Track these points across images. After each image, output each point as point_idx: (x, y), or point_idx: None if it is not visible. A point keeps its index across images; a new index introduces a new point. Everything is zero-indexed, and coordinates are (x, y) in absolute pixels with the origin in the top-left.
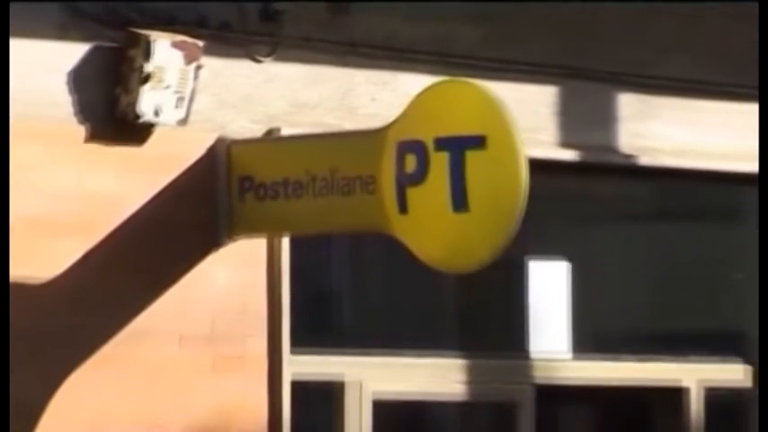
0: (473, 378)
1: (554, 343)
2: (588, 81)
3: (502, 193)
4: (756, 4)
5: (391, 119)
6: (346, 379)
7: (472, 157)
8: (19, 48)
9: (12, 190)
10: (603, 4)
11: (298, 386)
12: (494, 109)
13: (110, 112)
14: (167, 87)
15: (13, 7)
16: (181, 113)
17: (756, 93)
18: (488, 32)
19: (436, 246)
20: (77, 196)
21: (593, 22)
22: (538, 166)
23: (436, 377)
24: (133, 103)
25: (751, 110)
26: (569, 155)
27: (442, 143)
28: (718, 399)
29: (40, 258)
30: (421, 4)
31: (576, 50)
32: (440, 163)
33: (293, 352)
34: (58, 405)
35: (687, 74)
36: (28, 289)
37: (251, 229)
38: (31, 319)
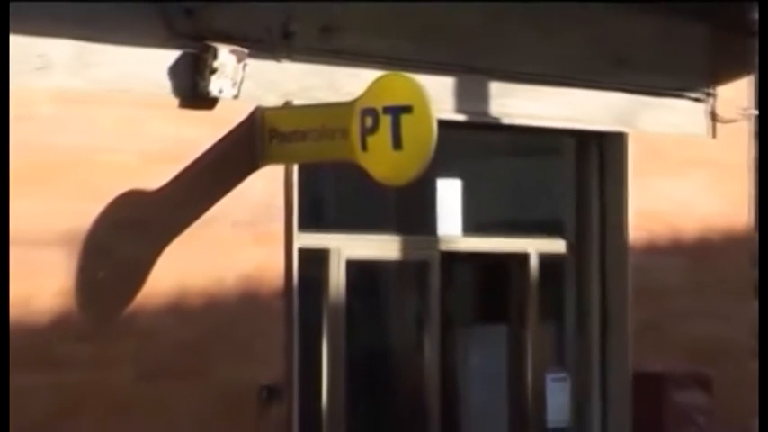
0: (404, 247)
1: (451, 227)
2: (473, 74)
3: (421, 139)
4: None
5: (357, 95)
6: (330, 248)
7: (404, 118)
8: (138, 54)
9: (133, 136)
10: (487, 25)
11: (302, 252)
12: (417, 89)
13: (192, 90)
14: (226, 77)
15: (135, 27)
16: (234, 92)
17: (576, 80)
18: (416, 46)
19: (383, 169)
20: (172, 140)
21: (476, 39)
22: (442, 124)
23: (383, 247)
24: (206, 86)
25: (567, 92)
26: (461, 117)
27: (386, 110)
28: (547, 261)
29: (148, 176)
30: (376, 30)
31: (466, 56)
32: (385, 121)
33: (299, 231)
34: (158, 267)
35: (531, 69)
36: (140, 194)
37: (275, 160)
38: (141, 213)
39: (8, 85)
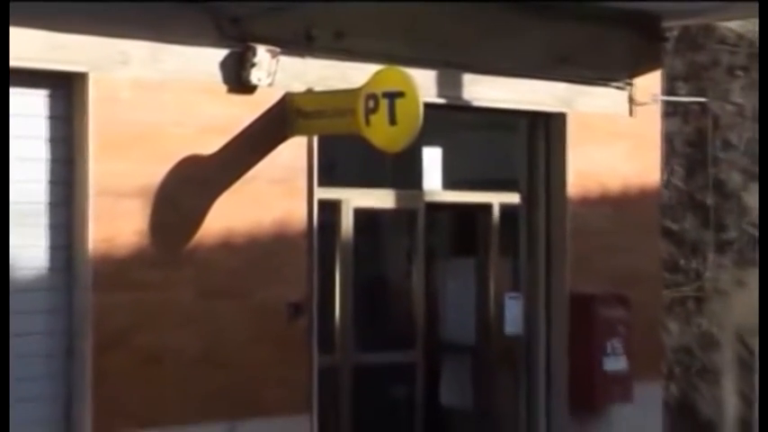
0: (397, 199)
1: (434, 184)
2: (451, 67)
3: (411, 117)
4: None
5: (362, 84)
6: (342, 199)
7: (398, 101)
8: (196, 52)
9: (192, 114)
10: (462, 31)
11: (320, 203)
12: (408, 79)
13: (237, 80)
14: (263, 69)
15: (193, 31)
16: (270, 81)
17: (528, 73)
18: (407, 46)
19: (382, 139)
20: (222, 117)
21: (454, 41)
22: (427, 105)
23: (382, 198)
24: (248, 76)
25: (522, 82)
26: (442, 100)
27: (385, 94)
28: (505, 210)
29: (204, 145)
30: (377, 34)
31: (446, 54)
32: (384, 103)
33: (318, 187)
34: (212, 213)
35: (495, 64)
36: (197, 158)
37: (300, 132)
38: (198, 172)
39: (8, 85)
